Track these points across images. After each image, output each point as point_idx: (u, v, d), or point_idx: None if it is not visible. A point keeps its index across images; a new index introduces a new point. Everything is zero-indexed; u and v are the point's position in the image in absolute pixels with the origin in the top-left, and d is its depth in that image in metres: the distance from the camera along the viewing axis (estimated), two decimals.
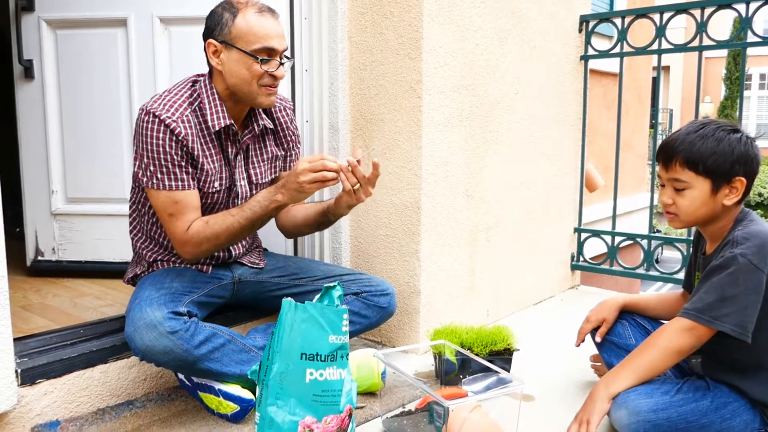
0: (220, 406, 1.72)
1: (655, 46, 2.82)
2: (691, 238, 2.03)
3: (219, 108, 1.83)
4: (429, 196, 2.24)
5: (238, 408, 1.70)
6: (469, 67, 2.36)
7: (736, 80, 16.45)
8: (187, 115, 1.79)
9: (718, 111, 16.84)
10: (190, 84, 1.86)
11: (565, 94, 3.01)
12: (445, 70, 2.24)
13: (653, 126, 4.00)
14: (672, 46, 2.77)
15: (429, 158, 2.22)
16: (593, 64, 3.19)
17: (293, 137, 2.08)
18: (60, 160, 2.63)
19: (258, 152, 1.99)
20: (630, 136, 5.63)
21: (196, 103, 1.82)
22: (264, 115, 1.97)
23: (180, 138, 1.75)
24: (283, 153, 2.06)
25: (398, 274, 2.30)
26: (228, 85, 1.83)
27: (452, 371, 1.90)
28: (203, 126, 1.82)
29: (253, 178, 1.98)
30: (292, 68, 2.36)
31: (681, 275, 2.72)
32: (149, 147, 1.74)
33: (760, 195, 13.37)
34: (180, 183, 1.78)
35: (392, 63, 2.22)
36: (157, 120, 1.74)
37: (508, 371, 1.95)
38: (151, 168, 1.75)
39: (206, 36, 1.82)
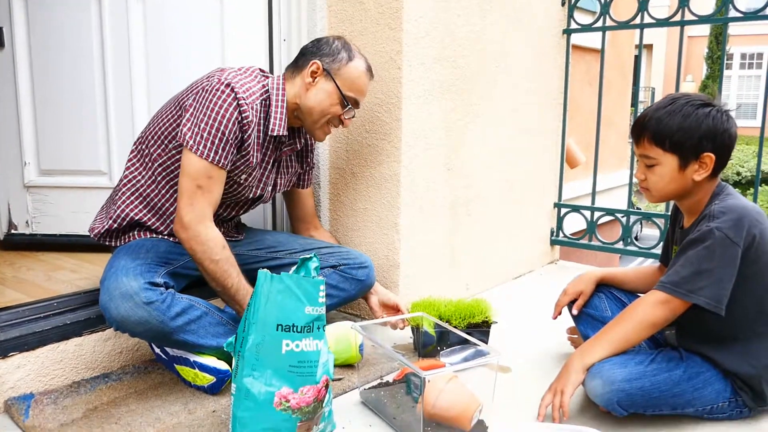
0: (196, 378, 1.71)
1: (637, 21, 2.81)
2: (669, 213, 2.04)
3: (283, 116, 1.88)
4: (408, 169, 2.22)
5: (215, 379, 1.69)
6: (450, 39, 2.33)
7: (718, 59, 16.52)
8: (257, 105, 1.81)
9: (700, 90, 16.92)
10: (262, 76, 1.88)
11: (548, 69, 2.99)
12: (426, 41, 2.22)
13: (635, 104, 4.01)
14: (654, 20, 2.77)
15: (409, 131, 2.20)
16: (576, 39, 3.18)
17: (312, 160, 2.18)
18: (32, 131, 2.57)
19: (287, 164, 2.07)
20: (612, 114, 5.64)
21: (265, 98, 1.85)
22: (304, 136, 2.06)
23: (246, 122, 1.76)
24: (301, 171, 2.15)
25: (377, 247, 2.29)
26: (301, 104, 1.90)
27: (430, 344, 1.90)
28: (264, 123, 1.85)
29: (278, 186, 2.05)
30: (270, 38, 2.32)
31: (658, 250, 2.74)
32: (213, 114, 1.73)
33: (738, 174, 13.52)
34: (223, 161, 1.76)
35: (372, 33, 2.19)
36: (233, 95, 1.74)
37: (486, 344, 1.95)
38: (205, 134, 1.72)
39: (312, 54, 1.91)
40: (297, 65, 1.93)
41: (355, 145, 2.30)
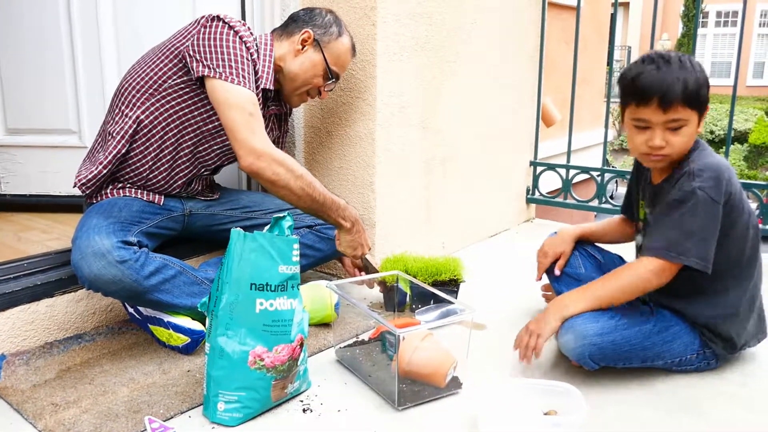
0: (170, 339, 1.71)
1: None
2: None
3: (270, 71, 1.88)
4: (384, 128, 2.20)
5: (189, 340, 1.68)
6: None
7: (694, 17, 16.54)
8: (255, 46, 1.80)
9: (675, 49, 16.96)
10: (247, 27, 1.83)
11: (524, 25, 2.96)
12: None
13: (610, 63, 4.00)
14: None
15: (384, 88, 2.17)
16: None
17: (287, 126, 2.18)
18: None
19: (273, 126, 2.07)
20: (588, 72, 5.60)
21: (255, 48, 1.81)
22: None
23: (251, 51, 1.76)
24: (278, 134, 2.13)
25: (353, 206, 2.27)
26: (285, 67, 1.91)
27: (404, 302, 1.91)
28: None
29: None
30: None
31: None
32: (228, 46, 1.71)
33: (711, 132, 13.65)
34: (253, 86, 1.75)
35: None
36: (238, 38, 1.73)
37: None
38: (231, 62, 1.70)
39: (305, 23, 1.93)
40: (286, 29, 1.94)
41: (330, 103, 2.27)
